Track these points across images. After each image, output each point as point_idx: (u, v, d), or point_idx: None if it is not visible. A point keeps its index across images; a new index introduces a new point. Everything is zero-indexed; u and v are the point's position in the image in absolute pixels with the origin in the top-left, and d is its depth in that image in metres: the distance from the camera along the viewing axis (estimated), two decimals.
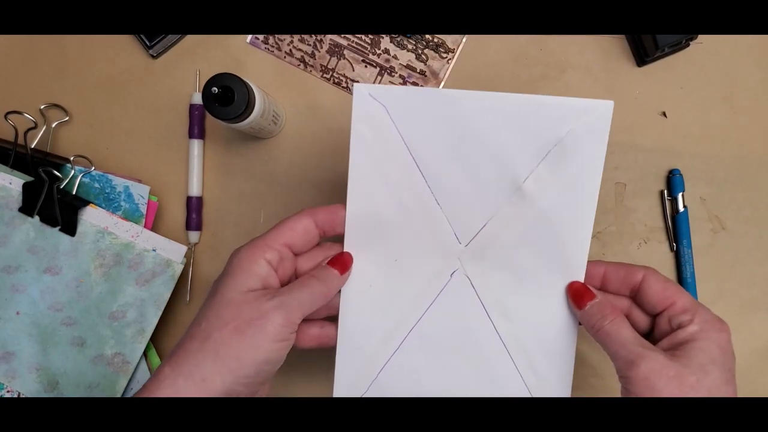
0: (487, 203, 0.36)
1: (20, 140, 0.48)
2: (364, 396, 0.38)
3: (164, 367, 0.32)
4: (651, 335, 0.36)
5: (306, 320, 0.36)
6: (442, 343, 0.38)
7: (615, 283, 0.37)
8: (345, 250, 0.38)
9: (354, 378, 0.38)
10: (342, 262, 0.37)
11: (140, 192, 0.49)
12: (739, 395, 0.47)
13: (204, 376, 0.31)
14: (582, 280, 0.36)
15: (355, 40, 0.50)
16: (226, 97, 0.40)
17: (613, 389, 0.47)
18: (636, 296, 0.36)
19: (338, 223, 0.37)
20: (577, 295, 0.36)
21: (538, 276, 0.37)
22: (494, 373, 0.37)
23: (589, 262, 0.36)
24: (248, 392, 0.33)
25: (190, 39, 0.51)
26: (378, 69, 0.50)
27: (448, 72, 0.49)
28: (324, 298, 0.36)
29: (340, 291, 0.38)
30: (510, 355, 0.37)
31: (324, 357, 0.48)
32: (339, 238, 0.38)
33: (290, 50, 0.50)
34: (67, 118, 0.51)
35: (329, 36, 0.50)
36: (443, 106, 0.35)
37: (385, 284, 0.38)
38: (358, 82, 0.50)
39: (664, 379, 0.30)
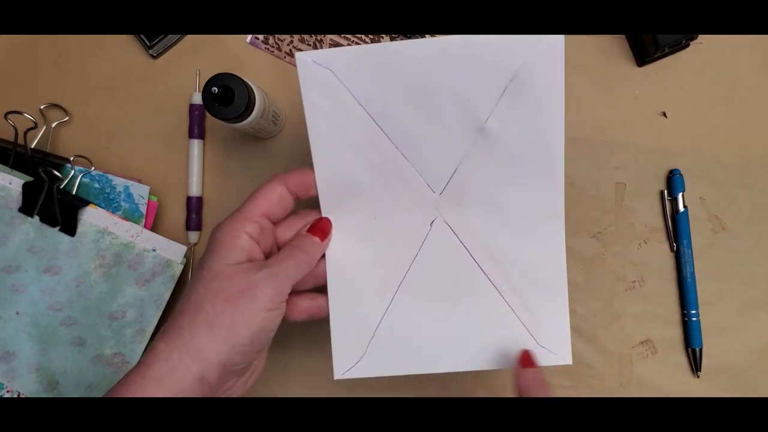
0: (453, 149, 0.36)
1: (20, 140, 0.48)
2: (363, 358, 0.38)
3: (158, 343, 0.32)
4: None
5: (296, 293, 0.37)
6: (433, 294, 0.37)
7: None
8: (322, 215, 0.38)
9: (351, 340, 0.38)
10: (321, 228, 0.37)
11: (140, 192, 0.49)
12: (739, 395, 0.47)
13: (198, 346, 0.31)
14: (562, 206, 0.36)
15: (355, 40, 0.50)
16: (226, 97, 0.40)
17: (612, 389, 0.47)
18: None
19: (310, 185, 0.37)
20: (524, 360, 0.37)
21: (518, 213, 0.36)
22: (491, 317, 0.37)
23: None
24: (246, 361, 0.34)
25: (190, 39, 0.51)
26: None
27: None
28: (309, 266, 0.36)
29: (324, 257, 0.38)
30: (503, 298, 0.37)
31: (319, 346, 0.48)
32: (313, 201, 0.38)
33: (290, 50, 0.50)
34: (67, 118, 0.51)
35: (329, 36, 0.50)
36: (390, 59, 0.34)
37: (367, 243, 0.38)
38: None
39: None
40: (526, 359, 0.37)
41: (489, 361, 0.38)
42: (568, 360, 0.37)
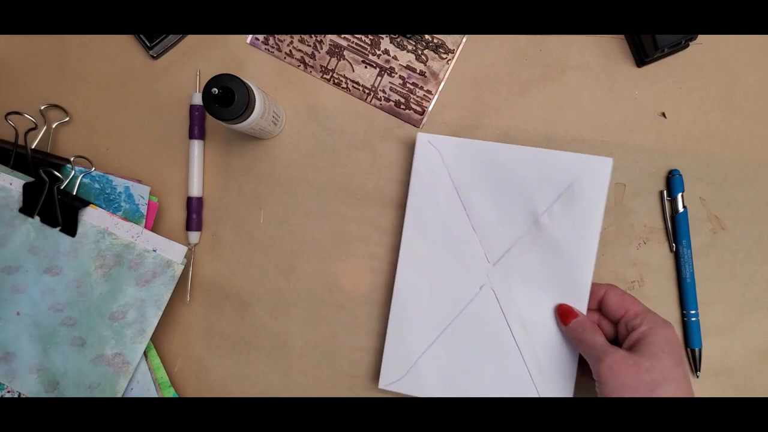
0: (512, 232, 0.45)
1: (21, 141, 0.48)
2: (404, 378, 0.46)
3: None
4: (616, 340, 0.43)
5: None
6: (468, 342, 0.46)
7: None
8: (400, 260, 0.47)
9: (397, 362, 0.46)
10: (564, 312, 0.43)
11: (140, 192, 0.49)
12: (739, 395, 0.47)
13: None
14: (586, 302, 0.44)
15: (355, 40, 0.50)
16: (226, 98, 0.40)
17: None
18: (601, 308, 0.44)
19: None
20: (563, 314, 0.43)
21: (550, 294, 0.44)
22: (509, 371, 0.45)
23: None
24: None
25: (191, 39, 0.51)
26: (378, 69, 0.50)
27: (447, 73, 0.49)
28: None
29: (395, 292, 0.46)
30: (523, 359, 0.45)
31: (319, 348, 0.48)
32: None
33: (290, 51, 0.50)
34: (67, 119, 0.51)
35: (329, 36, 0.50)
36: (482, 154, 0.45)
37: (428, 291, 0.46)
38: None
39: (624, 367, 0.37)
40: (564, 313, 0.43)
41: (499, 394, 0.46)
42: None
